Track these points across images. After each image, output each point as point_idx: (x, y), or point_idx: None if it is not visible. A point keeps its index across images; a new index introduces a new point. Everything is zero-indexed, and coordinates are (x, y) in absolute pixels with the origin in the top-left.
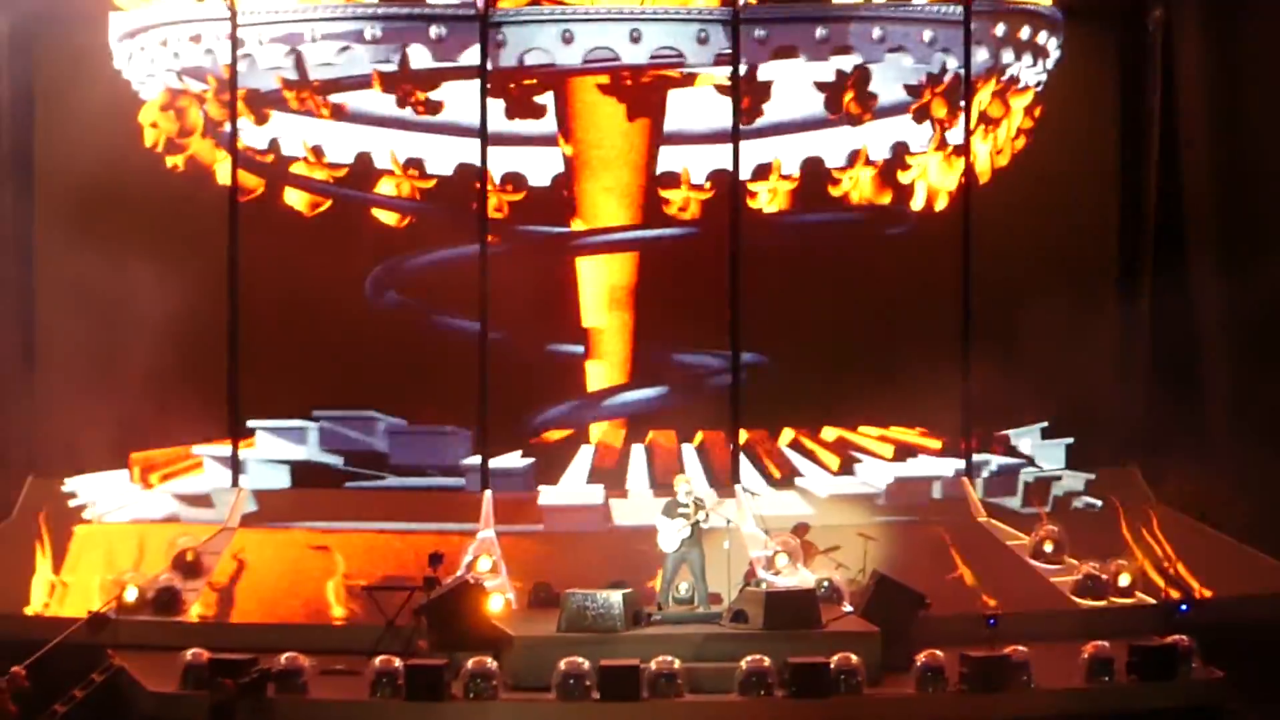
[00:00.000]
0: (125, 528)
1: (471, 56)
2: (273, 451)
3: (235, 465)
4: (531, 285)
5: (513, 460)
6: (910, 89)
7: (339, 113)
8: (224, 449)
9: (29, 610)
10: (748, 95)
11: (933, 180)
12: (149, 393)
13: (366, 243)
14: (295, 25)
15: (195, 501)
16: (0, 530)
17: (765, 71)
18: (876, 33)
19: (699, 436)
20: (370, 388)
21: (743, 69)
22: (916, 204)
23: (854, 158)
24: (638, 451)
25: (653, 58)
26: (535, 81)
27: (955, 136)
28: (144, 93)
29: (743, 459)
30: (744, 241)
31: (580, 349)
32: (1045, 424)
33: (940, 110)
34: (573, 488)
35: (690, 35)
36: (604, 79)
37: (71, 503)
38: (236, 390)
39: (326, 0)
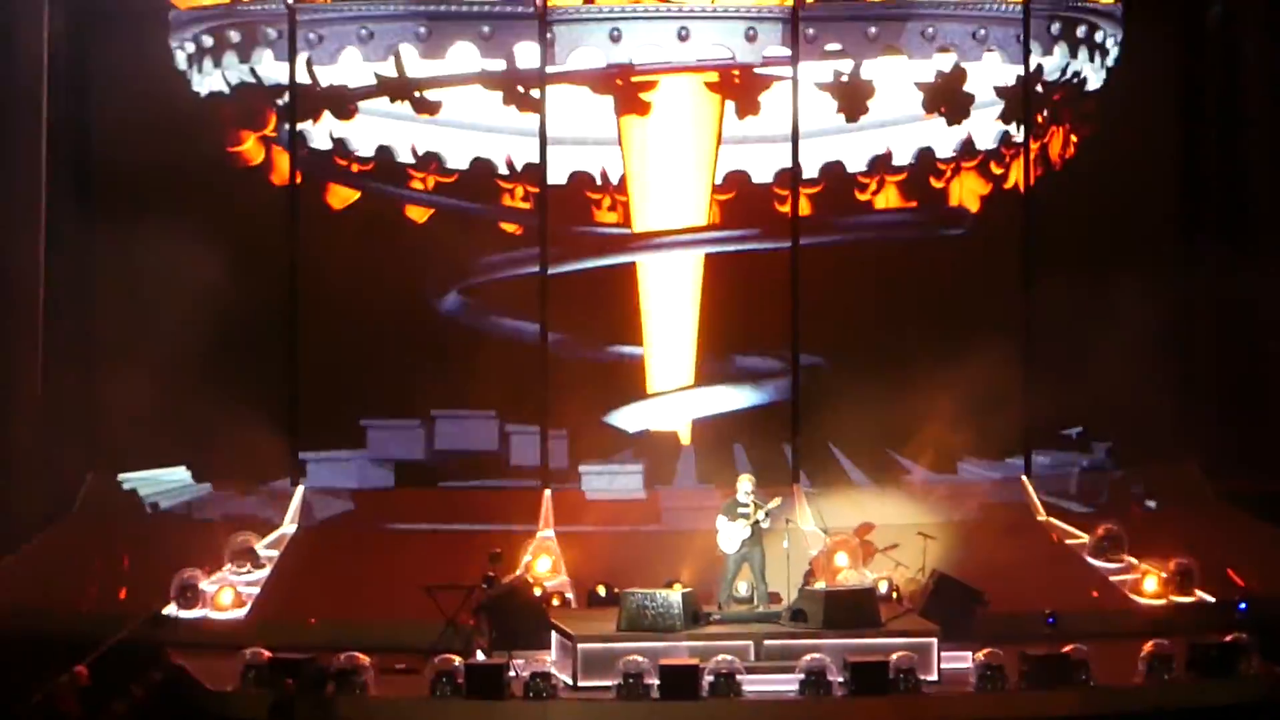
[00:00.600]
0: (185, 525)
1: (580, 58)
2: (383, 451)
3: (294, 465)
4: (592, 287)
5: (625, 461)
6: (1000, 91)
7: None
8: (335, 452)
9: (89, 607)
10: (854, 93)
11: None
12: (207, 389)
13: (398, 239)
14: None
15: (336, 504)
16: (60, 526)
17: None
18: (981, 33)
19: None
20: (425, 389)
21: (849, 65)
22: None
23: (879, 162)
24: (738, 451)
25: (765, 58)
26: (648, 79)
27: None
28: (202, 89)
29: (842, 456)
30: (802, 243)
31: (640, 351)
32: (1090, 426)
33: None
34: (687, 487)
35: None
36: (713, 76)
37: (144, 499)
38: (297, 389)
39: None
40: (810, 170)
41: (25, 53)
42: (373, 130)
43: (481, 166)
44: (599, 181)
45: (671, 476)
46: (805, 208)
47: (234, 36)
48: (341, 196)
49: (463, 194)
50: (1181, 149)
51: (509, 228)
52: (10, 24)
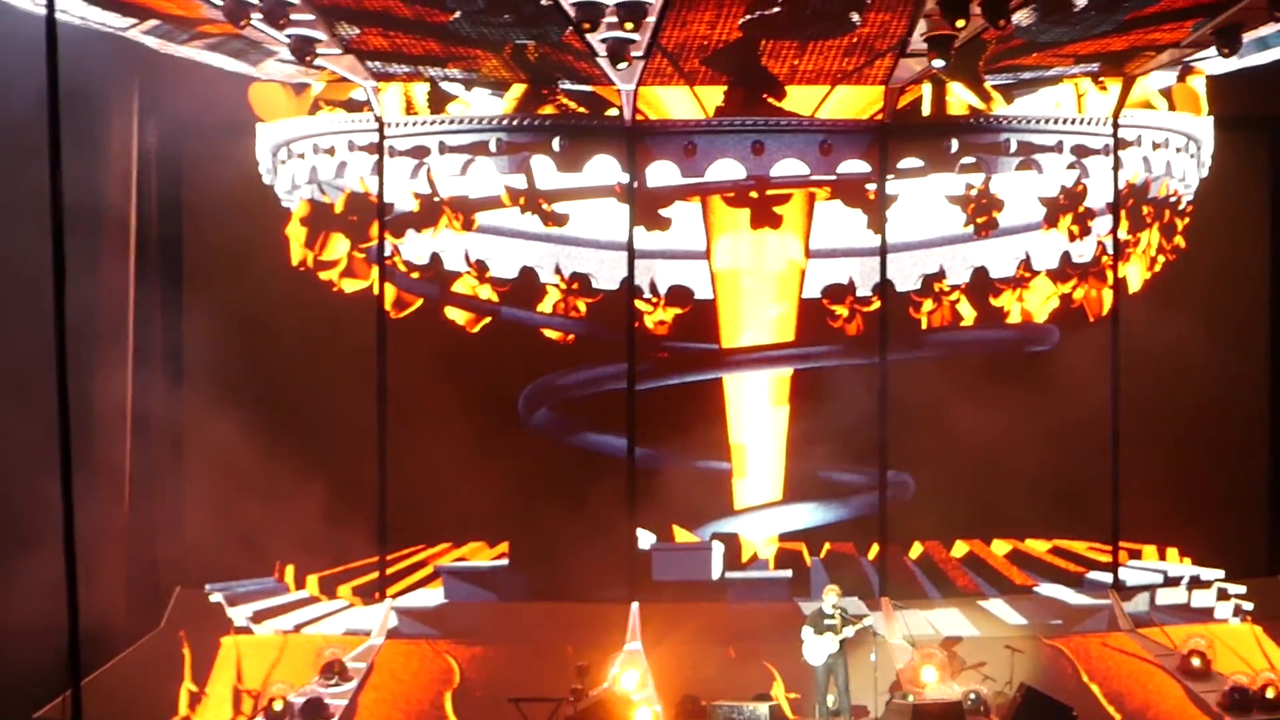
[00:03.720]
0: (270, 638)
1: (720, 170)
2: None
3: (382, 577)
4: (680, 402)
5: (764, 570)
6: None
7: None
8: (469, 563)
9: None
10: (983, 206)
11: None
12: (298, 504)
13: (529, 359)
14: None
15: (422, 617)
16: (149, 640)
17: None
18: (1103, 144)
19: (874, 549)
20: (517, 504)
21: (981, 178)
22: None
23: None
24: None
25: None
26: (784, 191)
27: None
28: (292, 205)
29: (919, 571)
30: (890, 358)
31: (726, 465)
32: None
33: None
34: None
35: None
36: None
37: (242, 615)
38: (384, 503)
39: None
40: (864, 288)
41: (116, 166)
42: (514, 251)
43: (528, 275)
44: (647, 292)
45: (806, 589)
46: (858, 325)
47: (324, 151)
48: (470, 318)
49: (609, 316)
50: (1272, 263)
51: (552, 334)
52: (102, 137)
